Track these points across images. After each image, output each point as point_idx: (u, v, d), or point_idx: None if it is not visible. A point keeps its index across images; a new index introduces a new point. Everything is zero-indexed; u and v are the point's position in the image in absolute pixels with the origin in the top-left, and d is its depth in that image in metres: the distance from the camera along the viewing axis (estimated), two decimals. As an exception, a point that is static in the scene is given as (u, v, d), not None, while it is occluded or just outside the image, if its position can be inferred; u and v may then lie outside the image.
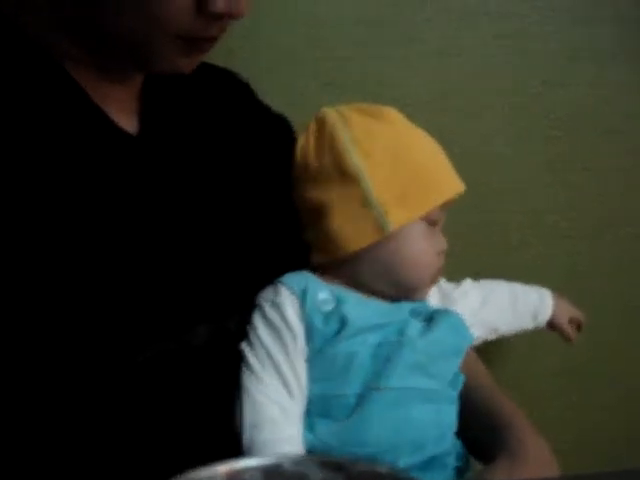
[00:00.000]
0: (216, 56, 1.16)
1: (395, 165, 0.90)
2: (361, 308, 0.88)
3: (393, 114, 0.95)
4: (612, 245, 1.45)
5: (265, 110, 1.09)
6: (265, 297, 0.88)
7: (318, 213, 0.91)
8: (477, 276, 1.05)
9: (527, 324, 1.05)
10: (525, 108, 1.38)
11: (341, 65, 1.32)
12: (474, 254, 1.39)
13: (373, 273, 0.90)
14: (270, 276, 0.89)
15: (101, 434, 0.81)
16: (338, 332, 0.86)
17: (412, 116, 1.32)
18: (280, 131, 1.07)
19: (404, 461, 0.85)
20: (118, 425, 0.81)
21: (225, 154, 0.98)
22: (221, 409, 0.85)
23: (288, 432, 0.84)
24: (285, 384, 0.85)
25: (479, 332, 0.99)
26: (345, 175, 0.90)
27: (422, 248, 0.91)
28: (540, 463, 0.88)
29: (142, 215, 0.88)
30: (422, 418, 0.87)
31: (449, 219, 1.29)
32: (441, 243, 0.93)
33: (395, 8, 1.32)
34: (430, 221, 0.91)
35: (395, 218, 0.89)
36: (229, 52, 1.28)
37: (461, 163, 1.35)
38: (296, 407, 0.85)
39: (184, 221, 0.91)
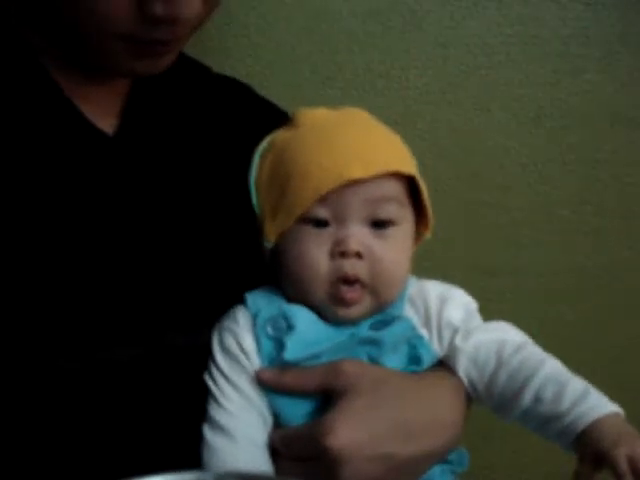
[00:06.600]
0: (212, 55, 1.16)
1: (272, 176, 0.83)
2: (304, 334, 0.81)
3: (309, 117, 0.84)
4: (628, 239, 1.39)
5: (271, 109, 1.06)
6: (222, 321, 0.84)
7: None
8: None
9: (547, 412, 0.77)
10: (535, 99, 1.33)
11: (341, 59, 1.29)
12: (484, 253, 1.34)
13: (286, 287, 0.84)
14: (243, 290, 0.86)
15: (54, 436, 0.80)
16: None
17: (417, 111, 1.32)
18: None
19: None
20: (72, 428, 0.81)
21: (212, 164, 0.96)
22: (176, 416, 0.84)
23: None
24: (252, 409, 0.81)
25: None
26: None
27: (301, 252, 0.81)
28: None
29: (109, 215, 0.86)
30: None
31: (456, 218, 1.27)
32: (338, 243, 0.80)
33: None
34: (314, 221, 0.81)
35: (268, 232, 0.83)
36: (225, 51, 1.27)
37: (468, 158, 1.35)
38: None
39: (153, 227, 0.89)
